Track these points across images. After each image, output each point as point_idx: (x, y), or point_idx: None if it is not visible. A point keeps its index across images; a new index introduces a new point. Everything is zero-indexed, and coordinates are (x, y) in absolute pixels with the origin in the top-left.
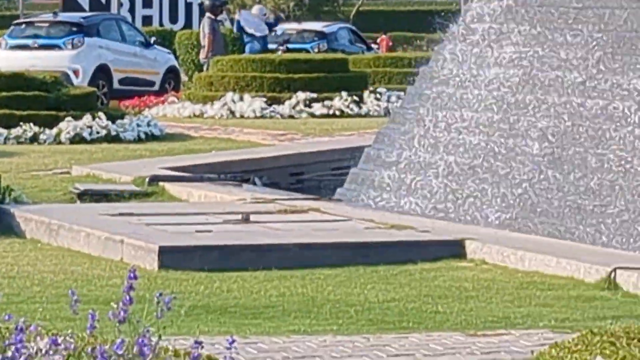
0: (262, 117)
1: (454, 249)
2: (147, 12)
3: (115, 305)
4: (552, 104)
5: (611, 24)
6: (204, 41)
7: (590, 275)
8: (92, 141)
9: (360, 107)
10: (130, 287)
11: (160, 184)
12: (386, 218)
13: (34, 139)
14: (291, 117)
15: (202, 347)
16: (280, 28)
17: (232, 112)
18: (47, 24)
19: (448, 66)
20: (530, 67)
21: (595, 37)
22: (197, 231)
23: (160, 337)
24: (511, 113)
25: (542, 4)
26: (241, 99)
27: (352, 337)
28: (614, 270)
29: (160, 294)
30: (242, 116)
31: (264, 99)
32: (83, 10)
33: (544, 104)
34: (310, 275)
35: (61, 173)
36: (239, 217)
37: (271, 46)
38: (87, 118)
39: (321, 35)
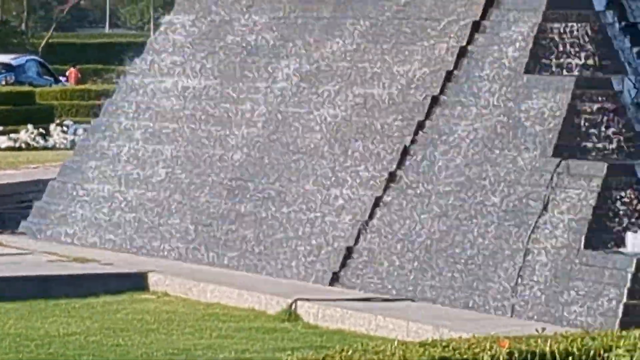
0: None
1: (137, 282)
2: None
3: None
4: (237, 136)
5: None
6: None
7: (272, 307)
8: None
9: (46, 140)
10: None
11: None
12: (69, 251)
13: None
14: None
15: None
16: None
17: None
18: None
19: (130, 98)
20: (212, 100)
21: (287, 73)
22: None
23: None
24: (194, 146)
25: (223, 39)
26: None
27: None
28: (295, 301)
29: None
30: None
31: None
32: None
33: (228, 137)
34: None
35: None
36: None
37: None
38: None
39: (9, 67)
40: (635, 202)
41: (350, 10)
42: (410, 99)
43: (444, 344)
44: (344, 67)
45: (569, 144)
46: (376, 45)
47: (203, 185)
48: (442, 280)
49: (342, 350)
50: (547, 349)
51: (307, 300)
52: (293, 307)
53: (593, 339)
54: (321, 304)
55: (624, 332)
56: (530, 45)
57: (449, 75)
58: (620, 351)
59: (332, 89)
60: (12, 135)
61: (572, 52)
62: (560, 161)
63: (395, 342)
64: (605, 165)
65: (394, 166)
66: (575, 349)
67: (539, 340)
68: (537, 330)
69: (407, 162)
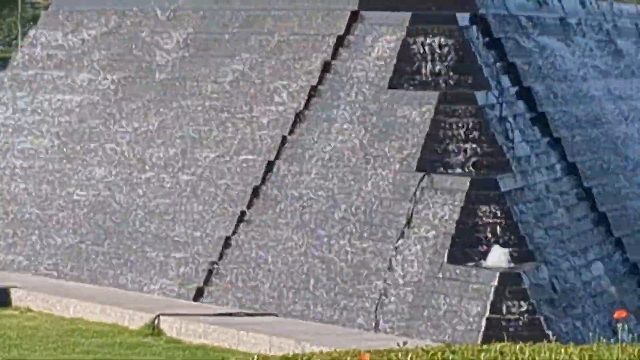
0: None
1: None
2: None
3: None
4: (103, 154)
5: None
6: None
7: (135, 322)
8: None
9: None
10: None
11: None
12: None
13: None
14: None
15: None
16: None
17: None
18: None
19: None
20: (78, 115)
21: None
22: None
23: None
24: (55, 161)
25: (87, 53)
26: None
27: None
28: (158, 316)
29: None
30: None
31: None
32: None
33: (94, 153)
34: None
35: None
36: None
37: None
38: None
39: None
40: (498, 216)
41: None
42: (276, 114)
43: (305, 357)
44: (208, 82)
45: (432, 159)
46: (242, 60)
47: (66, 201)
48: (306, 296)
49: None
50: None
51: (170, 315)
52: (156, 322)
53: (453, 352)
54: (184, 319)
55: (484, 346)
56: (395, 60)
57: (313, 90)
58: None
59: (190, 104)
60: None
61: (436, 67)
62: (424, 176)
63: (256, 357)
64: (469, 179)
65: (259, 181)
66: None
67: (400, 354)
68: (398, 345)
69: (272, 177)
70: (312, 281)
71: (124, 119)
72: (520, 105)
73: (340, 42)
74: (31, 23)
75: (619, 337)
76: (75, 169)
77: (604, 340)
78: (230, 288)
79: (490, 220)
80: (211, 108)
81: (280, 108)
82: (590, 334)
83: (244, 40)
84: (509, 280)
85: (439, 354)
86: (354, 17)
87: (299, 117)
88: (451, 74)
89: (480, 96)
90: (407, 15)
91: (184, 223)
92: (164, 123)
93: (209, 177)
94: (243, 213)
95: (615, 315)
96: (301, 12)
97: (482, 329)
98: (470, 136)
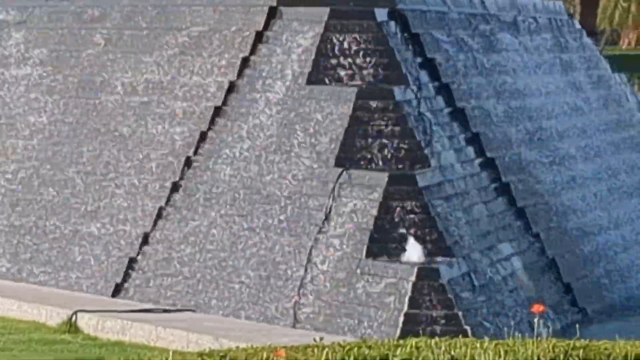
0: None
1: None
2: None
3: None
4: (20, 150)
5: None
6: None
7: (53, 319)
8: None
9: None
10: None
11: None
12: None
13: None
14: None
15: None
16: None
17: None
18: None
19: None
20: None
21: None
22: None
23: None
24: None
25: None
26: None
27: None
28: (75, 313)
29: None
30: None
31: None
32: None
33: (8, 149)
34: None
35: None
36: None
37: None
38: None
39: None
40: (416, 211)
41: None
42: (193, 110)
43: (221, 353)
44: (126, 77)
45: (351, 154)
46: (159, 55)
47: None
48: (225, 291)
49: None
50: (323, 358)
51: (87, 311)
52: (73, 318)
53: (370, 347)
54: (101, 316)
55: (400, 341)
56: (313, 56)
57: (231, 86)
58: None
59: (107, 100)
60: None
61: (355, 63)
62: (343, 171)
63: (171, 353)
64: (387, 175)
65: (177, 177)
66: (352, 358)
67: (316, 350)
68: (315, 340)
69: (190, 173)
70: (230, 277)
71: (39, 114)
72: (439, 100)
73: (259, 37)
74: None
75: (535, 331)
76: None
77: (520, 335)
78: (148, 284)
79: (409, 216)
80: (128, 104)
81: (198, 103)
82: (506, 329)
83: (162, 35)
84: (427, 275)
85: (355, 349)
86: (273, 12)
87: (217, 112)
88: (370, 69)
89: (398, 92)
90: (326, 10)
91: (103, 219)
92: (81, 119)
93: (128, 173)
94: (162, 209)
95: (533, 310)
96: (219, 8)
97: (400, 324)
98: (389, 132)
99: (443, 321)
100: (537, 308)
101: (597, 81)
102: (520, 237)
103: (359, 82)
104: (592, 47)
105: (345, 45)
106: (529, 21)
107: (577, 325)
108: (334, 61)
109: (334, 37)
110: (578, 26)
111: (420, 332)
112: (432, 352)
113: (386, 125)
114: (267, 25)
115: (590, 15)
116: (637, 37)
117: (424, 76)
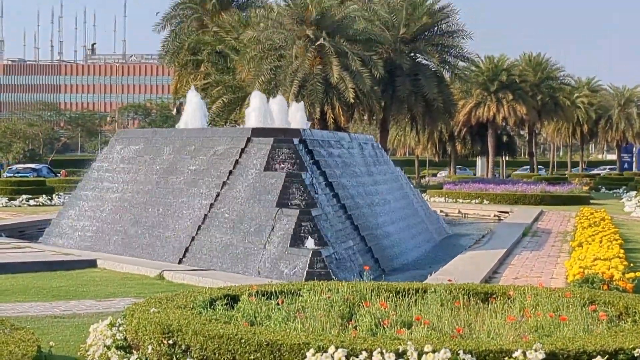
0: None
1: (91, 263)
2: None
3: None
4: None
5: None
6: None
7: (152, 273)
8: None
9: (51, 201)
10: None
11: None
12: (60, 249)
13: None
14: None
15: None
16: None
17: None
18: None
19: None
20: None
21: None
22: None
23: None
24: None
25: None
26: None
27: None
28: (162, 271)
29: None
30: None
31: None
32: None
33: None
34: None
35: None
36: None
37: None
38: None
39: (33, 169)
40: (311, 226)
41: None
42: (214, 185)
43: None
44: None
45: (282, 200)
46: (202, 159)
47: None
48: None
49: None
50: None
51: (168, 270)
52: (162, 273)
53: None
54: (175, 272)
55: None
56: (267, 158)
57: (231, 172)
58: None
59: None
60: (36, 200)
61: (284, 161)
62: (279, 210)
63: (204, 289)
64: (298, 210)
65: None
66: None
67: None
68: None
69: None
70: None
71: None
72: (321, 178)
73: (242, 150)
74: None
75: (364, 278)
76: None
77: (356, 280)
78: (194, 259)
79: (308, 228)
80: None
81: (217, 183)
82: (351, 277)
83: (202, 153)
84: (316, 254)
85: (287, 286)
86: (249, 139)
87: (224, 184)
88: (291, 165)
89: (304, 174)
90: (271, 139)
91: (171, 230)
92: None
93: (180, 212)
94: (198, 229)
95: (364, 269)
96: (227, 139)
97: (305, 274)
98: (298, 191)
99: (323, 275)
100: (365, 267)
101: (390, 170)
102: (356, 237)
103: (286, 170)
104: (384, 154)
105: (281, 154)
106: (363, 143)
107: (382, 276)
108: (277, 160)
109: (276, 151)
110: (379, 145)
111: (314, 279)
112: (315, 288)
113: (297, 188)
114: (246, 145)
115: (382, 140)
116: (404, 152)
117: (314, 168)
